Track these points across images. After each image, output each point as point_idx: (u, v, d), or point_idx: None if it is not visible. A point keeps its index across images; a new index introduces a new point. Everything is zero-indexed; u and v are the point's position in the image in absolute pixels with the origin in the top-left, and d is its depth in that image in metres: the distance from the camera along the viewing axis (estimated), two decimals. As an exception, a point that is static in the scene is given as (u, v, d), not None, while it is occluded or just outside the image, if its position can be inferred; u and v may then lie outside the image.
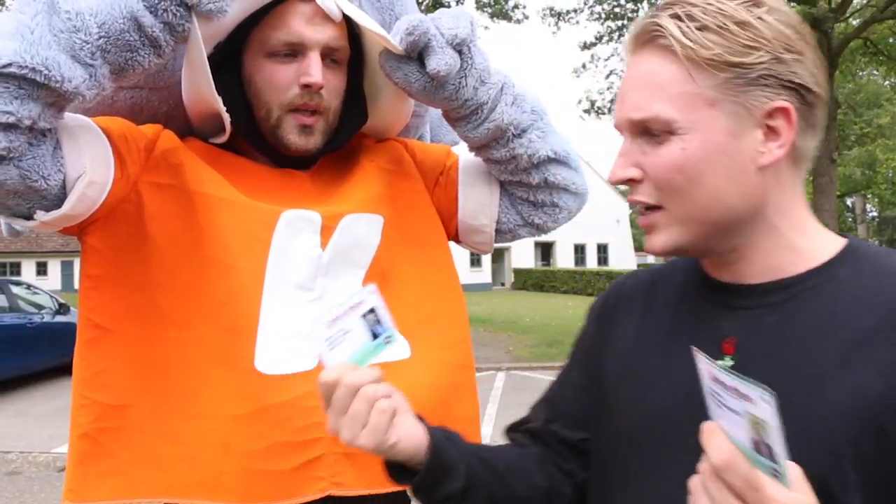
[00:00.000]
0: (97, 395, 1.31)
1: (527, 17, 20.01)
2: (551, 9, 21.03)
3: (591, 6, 20.38)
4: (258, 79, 1.37)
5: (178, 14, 1.15)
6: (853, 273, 0.92)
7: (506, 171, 1.52)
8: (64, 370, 12.18)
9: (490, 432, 7.77)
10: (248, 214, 1.36)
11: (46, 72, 1.05)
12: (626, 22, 20.27)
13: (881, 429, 0.81)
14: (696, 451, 0.78)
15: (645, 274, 1.18)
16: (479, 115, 1.43)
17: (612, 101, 21.66)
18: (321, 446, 1.30)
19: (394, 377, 1.37)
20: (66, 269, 45.54)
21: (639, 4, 19.98)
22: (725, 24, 0.89)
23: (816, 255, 0.95)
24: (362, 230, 1.44)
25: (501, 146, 1.47)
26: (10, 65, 1.03)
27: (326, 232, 1.39)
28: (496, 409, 8.99)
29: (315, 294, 1.37)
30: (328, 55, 1.38)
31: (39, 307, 12.28)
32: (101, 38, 1.11)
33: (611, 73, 21.72)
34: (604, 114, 22.09)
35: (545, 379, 11.17)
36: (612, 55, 21.58)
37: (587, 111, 22.30)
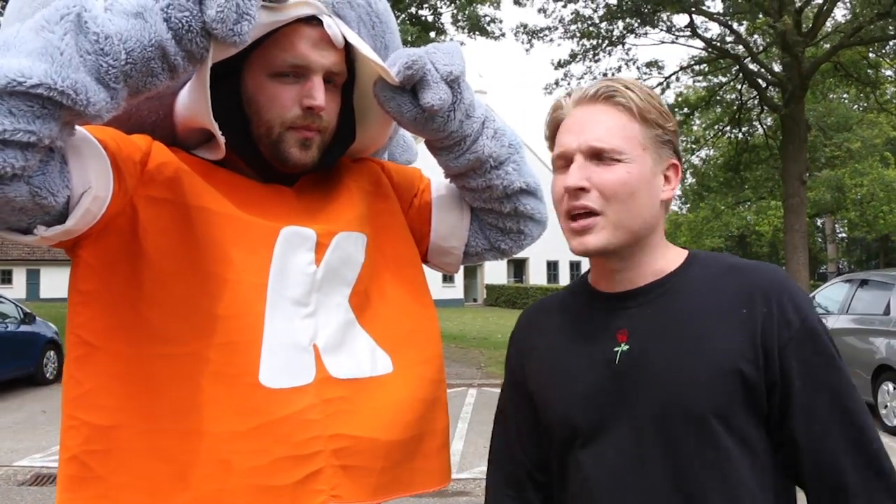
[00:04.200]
0: (86, 416, 1.27)
1: (503, 34, 20.15)
2: (525, 26, 21.17)
3: (566, 25, 20.57)
4: (260, 97, 1.39)
5: (201, 44, 1.18)
6: (701, 270, 1.32)
7: (480, 198, 1.60)
8: (27, 381, 12.00)
9: (461, 448, 7.75)
10: (249, 230, 1.38)
11: (74, 95, 1.05)
12: (599, 41, 20.49)
13: (741, 371, 1.20)
14: (625, 412, 1.26)
15: (537, 308, 1.53)
16: (462, 146, 1.50)
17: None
18: (321, 459, 1.33)
19: (380, 391, 1.42)
20: (32, 277, 44.94)
21: (613, 24, 20.22)
22: (651, 102, 1.28)
23: (672, 263, 1.34)
24: (351, 248, 1.49)
25: (479, 176, 1.55)
26: (39, 85, 1.02)
27: (321, 249, 1.43)
28: (467, 426, 8.96)
29: (310, 309, 1.40)
30: (329, 78, 1.41)
31: (4, 316, 12.06)
32: (127, 64, 1.12)
33: (584, 90, 21.84)
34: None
35: (516, 395, 11.15)
36: (586, 73, 21.72)
37: (561, 129, 22.34)
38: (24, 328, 12.31)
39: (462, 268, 1.76)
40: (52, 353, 12.79)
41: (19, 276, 45.01)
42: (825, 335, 1.24)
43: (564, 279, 47.06)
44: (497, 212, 1.61)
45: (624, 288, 1.34)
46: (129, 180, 1.29)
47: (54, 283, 43.84)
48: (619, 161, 1.25)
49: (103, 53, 1.09)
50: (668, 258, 1.34)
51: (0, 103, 1.01)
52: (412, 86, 1.41)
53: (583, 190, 1.26)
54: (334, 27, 1.38)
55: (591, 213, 1.27)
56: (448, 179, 1.63)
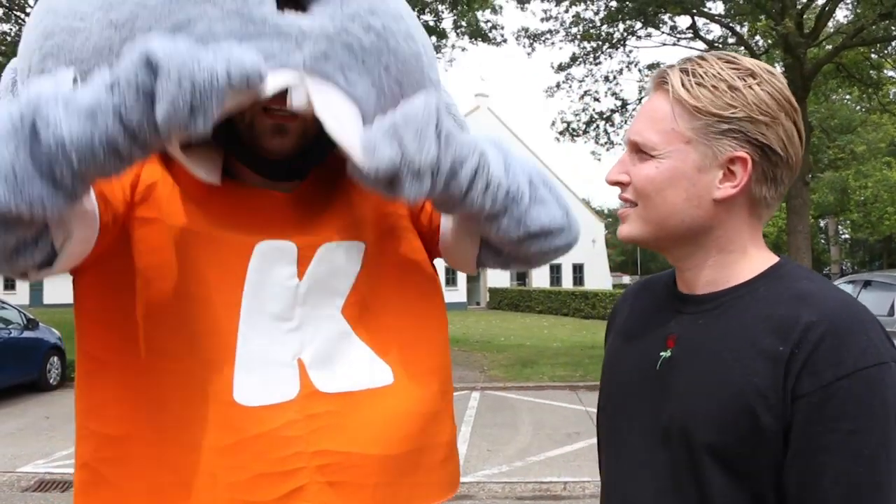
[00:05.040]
0: (97, 426, 1.33)
1: (505, 41, 20.16)
2: (526, 30, 21.18)
3: (566, 27, 20.57)
4: None
5: (156, 140, 1.10)
6: (768, 290, 1.16)
7: (484, 234, 1.48)
8: (31, 387, 11.99)
9: (465, 452, 7.73)
10: (222, 247, 1.36)
11: (29, 210, 1.04)
12: (600, 43, 20.49)
13: (755, 414, 1.06)
14: (645, 415, 1.21)
15: (638, 283, 1.48)
16: (450, 204, 1.37)
17: (587, 123, 21.77)
18: (304, 476, 1.31)
19: (376, 404, 1.38)
20: (35, 283, 44.90)
21: (614, 27, 20.22)
22: (717, 85, 1.14)
23: (747, 273, 1.19)
24: (341, 258, 1.44)
25: (475, 223, 1.43)
26: None
27: (303, 261, 1.40)
28: (471, 429, 8.95)
29: (294, 324, 1.38)
30: None
31: (7, 322, 12.07)
32: (80, 165, 1.07)
33: (585, 93, 21.85)
34: (578, 136, 22.11)
35: (520, 399, 11.15)
36: (587, 76, 21.69)
37: (562, 133, 22.34)
38: (27, 334, 12.31)
39: (464, 271, 1.70)
40: (55, 358, 12.78)
41: (23, 283, 45.02)
42: (871, 404, 1.01)
43: (567, 282, 47.06)
44: (502, 246, 1.49)
45: (686, 289, 1.26)
46: (119, 208, 1.30)
47: (58, 289, 43.83)
48: (651, 157, 1.19)
49: (56, 161, 1.04)
50: (737, 268, 1.20)
51: None
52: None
53: (621, 183, 1.24)
54: (299, 98, 1.27)
55: (632, 203, 1.24)
56: None
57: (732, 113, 1.12)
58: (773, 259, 1.22)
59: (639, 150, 1.21)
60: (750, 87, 1.13)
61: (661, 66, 1.32)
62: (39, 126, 1.04)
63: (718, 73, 1.15)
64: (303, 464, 1.31)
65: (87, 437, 1.33)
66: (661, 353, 1.23)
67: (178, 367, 1.31)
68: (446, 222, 1.55)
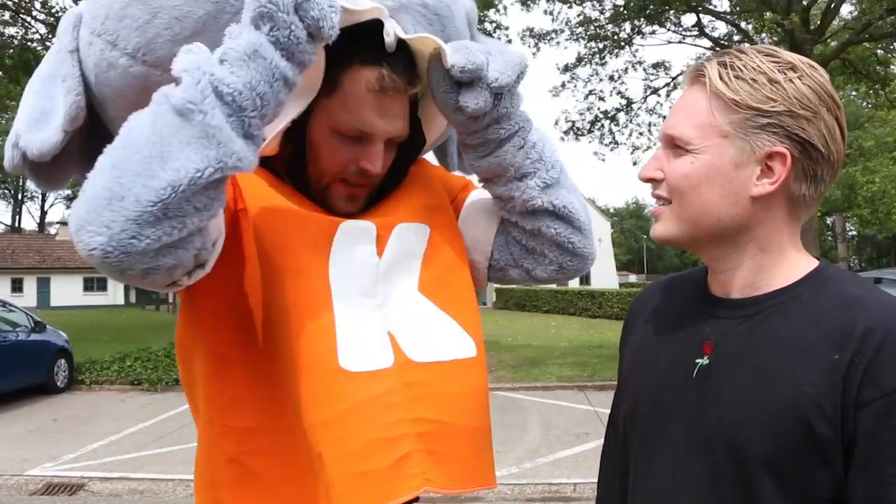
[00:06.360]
0: (235, 422, 1.39)
1: (510, 41, 20.11)
2: (531, 30, 21.14)
3: (572, 27, 20.53)
4: (322, 148, 1.44)
5: (310, 51, 1.20)
6: (814, 295, 1.12)
7: (504, 208, 1.58)
8: (38, 390, 12.00)
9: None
10: (310, 223, 1.42)
11: (240, 165, 1.13)
12: (608, 43, 20.45)
13: (809, 425, 1.02)
14: (681, 424, 1.16)
15: (662, 281, 1.44)
16: (486, 149, 1.49)
17: (591, 123, 21.70)
18: (408, 443, 1.33)
19: (463, 374, 1.44)
20: (43, 286, 45.13)
21: (620, 27, 20.18)
22: (756, 78, 1.10)
23: (787, 278, 1.15)
24: (411, 239, 1.51)
25: (502, 184, 1.52)
26: (217, 170, 1.10)
27: (381, 241, 1.46)
28: (479, 429, 8.92)
29: (378, 300, 1.43)
30: (390, 141, 1.46)
31: (14, 325, 12.08)
32: (263, 107, 1.16)
33: (590, 93, 21.78)
34: (583, 135, 22.01)
35: (527, 399, 11.11)
36: (592, 76, 21.64)
37: (566, 132, 22.25)
38: (34, 337, 12.33)
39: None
40: (62, 361, 12.79)
41: (30, 285, 45.18)
42: None
43: (574, 282, 46.92)
44: (520, 227, 1.58)
45: (721, 292, 1.22)
46: (230, 204, 1.36)
47: (65, 291, 43.99)
48: (686, 152, 1.15)
49: (241, 110, 1.13)
50: (776, 271, 1.16)
51: (186, 204, 1.09)
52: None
53: (654, 180, 1.21)
54: (391, 35, 1.37)
55: (666, 200, 1.20)
56: (480, 184, 1.62)
57: (772, 107, 1.09)
58: (812, 262, 1.18)
59: (674, 145, 1.17)
60: (790, 80, 1.10)
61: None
62: (219, 86, 1.11)
63: (758, 66, 1.11)
64: (405, 430, 1.33)
65: (227, 433, 1.38)
66: (697, 360, 1.18)
67: (283, 338, 1.34)
68: (463, 224, 1.66)
